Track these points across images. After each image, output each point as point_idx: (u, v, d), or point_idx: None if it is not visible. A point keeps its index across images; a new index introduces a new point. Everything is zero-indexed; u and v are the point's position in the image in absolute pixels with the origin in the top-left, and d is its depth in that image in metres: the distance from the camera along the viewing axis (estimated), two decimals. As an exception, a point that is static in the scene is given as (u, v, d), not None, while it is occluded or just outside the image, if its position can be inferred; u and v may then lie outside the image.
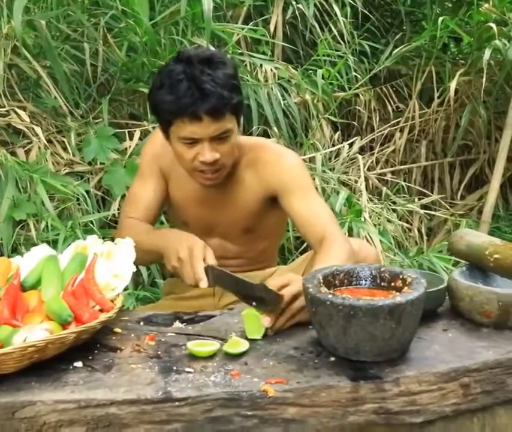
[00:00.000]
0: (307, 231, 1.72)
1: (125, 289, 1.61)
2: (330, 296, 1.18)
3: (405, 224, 3.68)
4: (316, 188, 3.22)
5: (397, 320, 1.16)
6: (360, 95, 4.12)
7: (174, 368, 1.21)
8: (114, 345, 1.33)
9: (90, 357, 1.26)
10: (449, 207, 4.02)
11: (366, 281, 1.35)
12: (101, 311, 1.36)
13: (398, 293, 1.21)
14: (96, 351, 1.30)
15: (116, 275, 1.48)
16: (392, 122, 4.19)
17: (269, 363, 1.22)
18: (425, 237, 3.78)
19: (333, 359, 1.23)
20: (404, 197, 3.89)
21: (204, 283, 1.50)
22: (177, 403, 1.09)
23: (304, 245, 3.07)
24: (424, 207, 3.91)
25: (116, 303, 1.40)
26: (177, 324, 1.48)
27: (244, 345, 1.27)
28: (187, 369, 1.20)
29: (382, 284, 1.33)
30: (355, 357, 1.20)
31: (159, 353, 1.29)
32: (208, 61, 1.66)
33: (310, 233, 1.71)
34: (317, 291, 1.21)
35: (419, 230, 3.76)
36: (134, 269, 1.52)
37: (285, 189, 1.75)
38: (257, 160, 1.79)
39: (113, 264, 1.51)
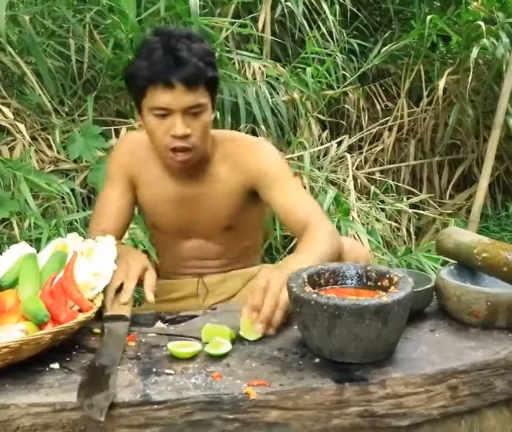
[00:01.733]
0: (290, 221, 1.68)
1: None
2: (314, 295, 1.15)
3: (394, 223, 3.67)
4: (304, 187, 3.21)
5: (384, 321, 1.13)
6: (349, 94, 4.10)
7: (154, 369, 1.17)
8: (93, 346, 1.29)
9: (68, 359, 1.22)
10: (437, 207, 4.02)
11: (352, 280, 1.32)
12: (80, 311, 1.32)
13: (384, 293, 1.18)
14: (74, 353, 1.26)
15: (96, 274, 1.44)
16: (381, 121, 4.18)
17: (252, 365, 1.19)
18: (413, 237, 3.77)
19: (317, 360, 1.19)
20: (392, 196, 3.88)
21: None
22: (155, 406, 1.05)
23: (293, 243, 3.04)
24: (412, 206, 3.90)
25: (95, 302, 1.37)
26: (159, 324, 1.44)
27: (226, 346, 1.23)
28: (167, 371, 1.16)
29: (369, 283, 1.30)
30: (340, 358, 1.16)
31: (139, 354, 1.25)
32: (186, 36, 1.65)
33: (293, 221, 1.66)
34: (301, 291, 1.18)
35: (407, 230, 3.75)
36: (115, 267, 1.48)
37: (264, 180, 1.71)
38: (233, 153, 1.75)
39: (93, 263, 1.47)
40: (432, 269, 3.20)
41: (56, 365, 1.19)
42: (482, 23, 3.92)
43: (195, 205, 1.76)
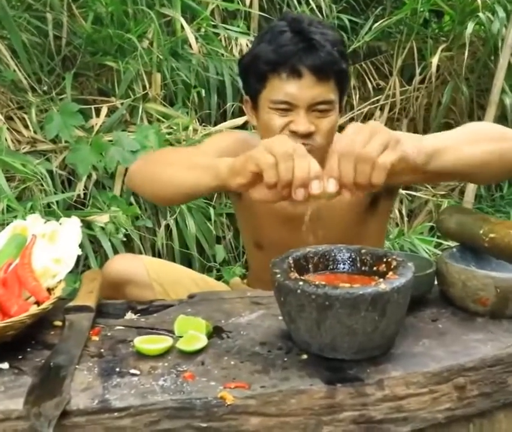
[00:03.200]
0: None
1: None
2: (301, 283, 0.99)
3: (386, 205, 3.54)
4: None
5: (381, 311, 0.97)
6: (339, 72, 3.95)
7: (117, 369, 1.01)
8: (51, 341, 1.13)
9: (20, 357, 1.06)
10: (430, 188, 3.88)
11: (344, 264, 1.16)
12: (37, 302, 1.17)
13: (382, 279, 1.02)
14: (28, 349, 1.10)
15: (57, 260, 1.28)
16: (372, 100, 4.04)
17: (230, 363, 1.03)
18: (406, 219, 3.65)
19: (305, 356, 1.04)
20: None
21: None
22: (116, 414, 0.89)
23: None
24: (404, 188, 3.76)
25: (55, 292, 1.21)
26: (129, 315, 1.29)
27: (201, 342, 1.08)
28: (132, 371, 1.00)
29: (363, 268, 1.15)
30: (331, 354, 1.01)
31: (102, 350, 1.09)
32: (318, 21, 1.45)
33: None
34: (286, 278, 1.02)
35: (400, 211, 3.63)
36: (79, 252, 1.33)
37: None
38: None
39: (55, 247, 1.32)
40: (426, 252, 3.10)
41: (5, 365, 1.03)
42: (478, -3, 3.78)
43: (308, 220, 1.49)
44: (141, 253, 2.83)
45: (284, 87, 1.41)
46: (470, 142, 1.21)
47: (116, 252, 2.72)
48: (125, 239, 2.72)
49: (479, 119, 4.05)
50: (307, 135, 1.41)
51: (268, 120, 1.45)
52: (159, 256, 2.89)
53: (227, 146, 1.56)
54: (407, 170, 1.08)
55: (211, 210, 2.93)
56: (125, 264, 1.60)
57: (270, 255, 1.56)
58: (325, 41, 1.40)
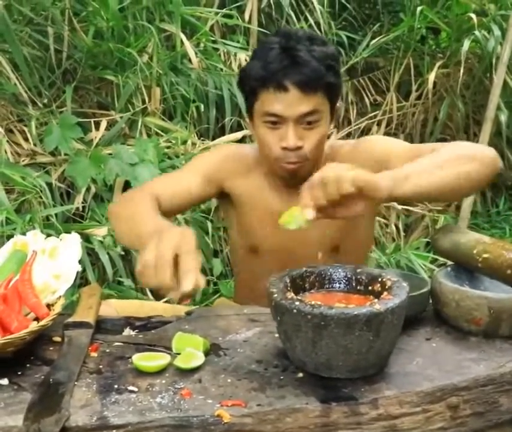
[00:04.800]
0: None
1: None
2: (297, 303, 1.01)
3: (382, 220, 3.56)
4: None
5: (376, 331, 0.99)
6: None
7: (116, 386, 1.03)
8: (50, 357, 1.15)
9: (20, 373, 1.08)
10: (427, 203, 3.90)
11: (340, 284, 1.18)
12: (36, 318, 1.18)
13: (376, 300, 1.04)
14: (28, 365, 1.11)
15: (57, 276, 1.30)
16: (370, 115, 4.08)
17: (227, 380, 1.05)
18: (402, 234, 3.67)
19: (301, 375, 1.06)
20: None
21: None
22: (114, 431, 0.91)
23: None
24: (401, 202, 3.78)
25: (54, 308, 1.22)
26: (128, 331, 1.30)
27: (198, 359, 1.10)
28: (130, 388, 1.02)
29: (359, 287, 1.17)
30: (326, 373, 1.03)
31: (100, 367, 1.11)
32: (308, 38, 1.50)
33: None
34: (282, 297, 1.04)
35: (396, 226, 3.65)
36: (79, 268, 1.34)
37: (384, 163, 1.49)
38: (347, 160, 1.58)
39: (55, 263, 1.33)
40: (422, 268, 3.11)
41: (4, 381, 1.04)
42: (473, 15, 3.82)
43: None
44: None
45: (272, 102, 1.47)
46: (440, 166, 1.27)
47: (113, 265, 2.73)
48: (122, 253, 2.72)
49: (475, 135, 4.09)
50: (296, 149, 1.48)
51: (262, 134, 1.52)
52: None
53: (211, 169, 1.63)
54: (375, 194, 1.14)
55: (209, 224, 2.95)
56: None
57: (266, 258, 1.58)
58: (310, 57, 1.45)
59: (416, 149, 1.50)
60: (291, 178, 1.53)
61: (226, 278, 3.07)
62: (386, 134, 4.15)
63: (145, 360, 1.09)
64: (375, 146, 1.57)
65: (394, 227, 3.62)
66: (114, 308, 1.57)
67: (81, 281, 2.72)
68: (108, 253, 2.72)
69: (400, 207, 3.68)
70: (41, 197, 2.75)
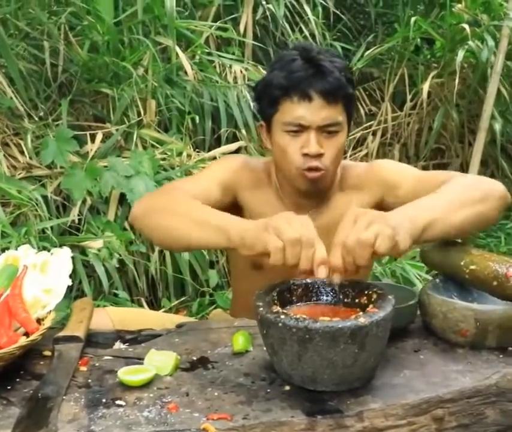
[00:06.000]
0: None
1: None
2: (282, 316, 1.02)
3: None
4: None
5: (360, 345, 1.00)
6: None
7: (104, 400, 1.04)
8: (40, 372, 1.16)
9: (9, 387, 1.09)
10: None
11: (327, 296, 1.19)
12: (26, 333, 1.19)
13: (361, 312, 1.05)
14: (17, 380, 1.12)
15: (47, 290, 1.30)
16: (365, 125, 4.11)
17: (214, 394, 1.06)
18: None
19: (287, 387, 1.07)
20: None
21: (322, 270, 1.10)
22: (100, 445, 0.92)
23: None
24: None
25: (44, 322, 1.23)
26: (118, 345, 1.31)
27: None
28: (118, 402, 1.03)
29: (346, 300, 1.18)
30: (312, 386, 1.04)
31: (89, 381, 1.12)
32: (326, 50, 1.56)
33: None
34: (268, 311, 1.05)
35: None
36: (69, 282, 1.35)
37: (389, 186, 1.56)
38: (354, 181, 1.61)
39: (45, 278, 1.34)
40: (417, 278, 3.11)
41: (-6, 396, 1.06)
42: (466, 26, 3.85)
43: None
44: (134, 279, 2.85)
45: (295, 110, 1.49)
46: (456, 209, 1.29)
47: (109, 277, 2.74)
48: (117, 266, 2.73)
49: (470, 144, 4.11)
50: (318, 156, 1.50)
51: (282, 143, 1.52)
52: (153, 281, 2.91)
53: (228, 177, 1.61)
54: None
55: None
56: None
57: (270, 275, 1.57)
58: (333, 67, 1.48)
59: (426, 178, 1.52)
60: (311, 189, 1.54)
61: (222, 289, 3.07)
62: (382, 144, 4.18)
63: (130, 374, 1.09)
64: (386, 170, 1.60)
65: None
66: (110, 317, 1.57)
67: (77, 293, 2.73)
68: (104, 265, 2.73)
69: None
70: (36, 210, 2.77)
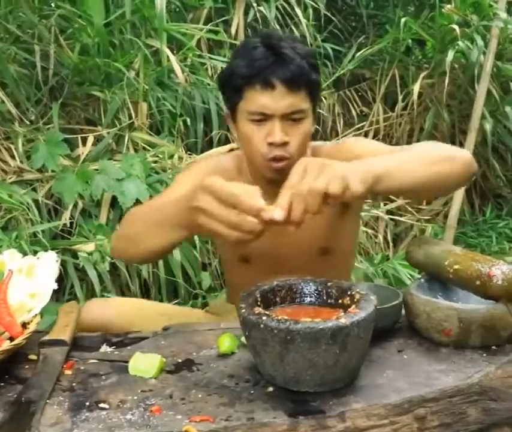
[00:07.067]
0: None
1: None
2: (264, 317, 1.02)
3: (370, 231, 3.58)
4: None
5: (342, 345, 1.00)
6: (324, 99, 4.02)
7: (87, 403, 1.04)
8: (24, 376, 1.16)
9: (-7, 392, 1.09)
10: (415, 213, 3.93)
11: (311, 297, 1.20)
12: (11, 337, 1.19)
13: (343, 313, 1.06)
14: (2, 384, 1.12)
15: (32, 295, 1.30)
16: (357, 126, 4.12)
17: (197, 396, 1.06)
18: (391, 244, 3.69)
19: (271, 389, 1.07)
20: (369, 202, 3.78)
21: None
22: (82, 449, 0.93)
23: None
24: (389, 212, 3.81)
25: (29, 326, 1.24)
26: (104, 348, 1.31)
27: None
28: (101, 405, 1.03)
29: (329, 301, 1.18)
30: (295, 387, 1.04)
31: (73, 384, 1.12)
32: (289, 37, 1.54)
33: None
34: (250, 312, 1.05)
35: (384, 237, 3.67)
36: (55, 286, 1.35)
37: None
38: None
39: (31, 282, 1.34)
40: (409, 278, 3.13)
41: (-22, 400, 1.06)
42: (456, 27, 3.87)
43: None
44: (127, 281, 2.85)
45: (259, 99, 1.48)
46: (416, 164, 1.29)
47: (101, 281, 2.74)
48: (108, 269, 2.73)
49: (461, 144, 4.12)
50: (283, 145, 1.49)
51: (247, 132, 1.52)
52: (145, 284, 2.91)
53: (195, 184, 1.60)
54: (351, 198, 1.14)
55: (196, 237, 2.96)
56: (97, 311, 1.60)
57: (258, 266, 1.57)
58: (295, 54, 1.48)
59: (397, 150, 1.51)
60: (277, 178, 1.52)
61: (215, 291, 3.08)
62: (374, 144, 4.18)
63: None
64: (355, 145, 1.59)
65: (382, 238, 3.64)
66: (115, 309, 1.58)
67: (70, 296, 2.73)
68: (95, 268, 2.73)
69: (387, 217, 3.70)
70: (28, 214, 2.77)
